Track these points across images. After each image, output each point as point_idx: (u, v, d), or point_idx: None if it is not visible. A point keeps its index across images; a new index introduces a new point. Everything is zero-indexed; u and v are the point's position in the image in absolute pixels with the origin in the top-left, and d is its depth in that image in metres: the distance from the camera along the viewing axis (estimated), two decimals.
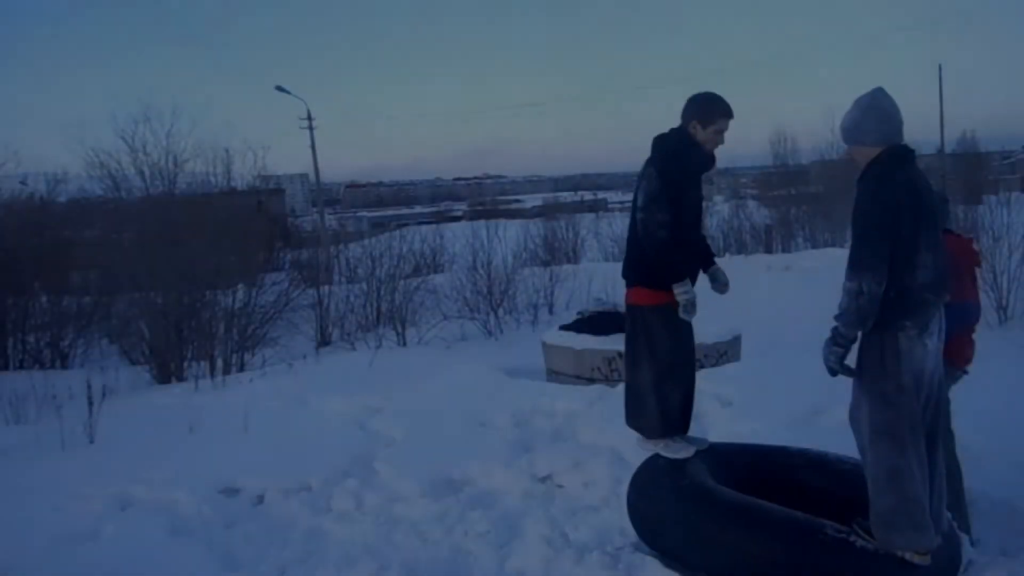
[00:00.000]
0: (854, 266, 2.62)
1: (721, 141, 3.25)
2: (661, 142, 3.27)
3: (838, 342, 2.72)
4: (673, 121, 3.31)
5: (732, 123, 3.28)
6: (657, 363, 3.21)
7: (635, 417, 3.34)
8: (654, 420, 3.26)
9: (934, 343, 2.74)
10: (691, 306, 3.14)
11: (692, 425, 3.47)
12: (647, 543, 3.25)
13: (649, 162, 3.24)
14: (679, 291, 3.12)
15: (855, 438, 2.83)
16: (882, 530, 2.69)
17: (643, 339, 3.24)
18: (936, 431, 2.81)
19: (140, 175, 10.50)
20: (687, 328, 3.27)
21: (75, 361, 10.87)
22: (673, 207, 3.14)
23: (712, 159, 3.30)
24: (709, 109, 3.19)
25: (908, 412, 2.67)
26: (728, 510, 2.97)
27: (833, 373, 2.80)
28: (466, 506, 4.00)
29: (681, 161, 3.20)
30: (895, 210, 2.59)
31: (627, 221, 3.60)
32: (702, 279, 3.41)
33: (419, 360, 8.23)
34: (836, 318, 2.71)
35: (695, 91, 3.30)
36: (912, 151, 2.78)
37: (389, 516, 4.02)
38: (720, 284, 3.43)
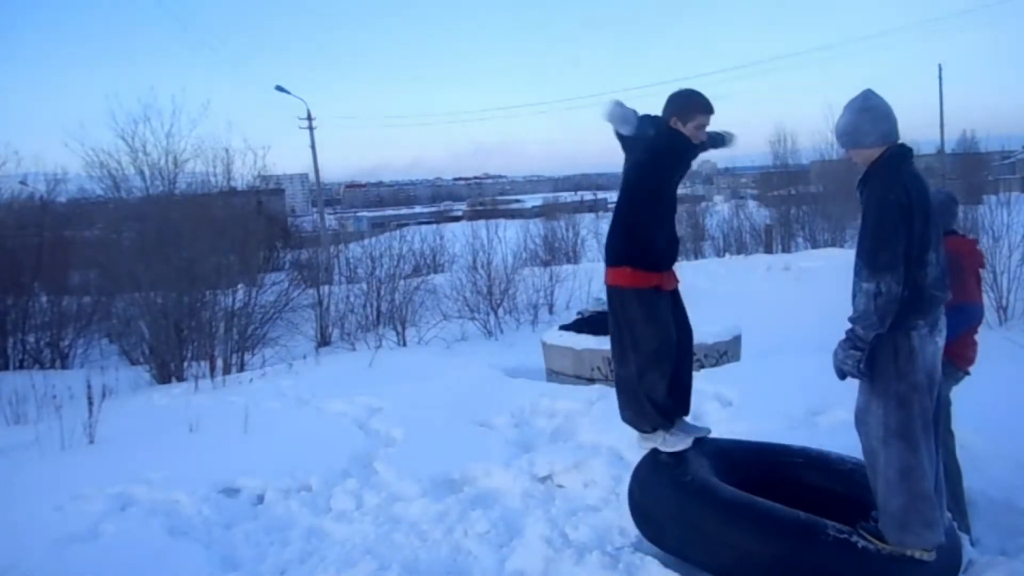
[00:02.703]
0: (872, 266, 2.58)
1: (703, 137, 3.23)
2: (651, 117, 3.23)
3: (856, 345, 2.65)
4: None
5: (733, 124, 3.29)
6: (640, 353, 3.16)
7: (626, 410, 3.31)
8: (645, 412, 3.22)
9: (942, 340, 2.75)
10: None
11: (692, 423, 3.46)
12: (647, 538, 3.25)
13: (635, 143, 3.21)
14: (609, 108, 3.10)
15: (861, 440, 2.81)
16: (895, 531, 2.69)
17: (626, 329, 3.19)
18: (938, 428, 2.81)
19: (140, 175, 10.45)
20: (667, 313, 3.22)
21: (75, 361, 10.88)
22: (658, 181, 3.17)
23: (696, 152, 3.30)
24: (688, 105, 3.17)
25: (921, 411, 2.67)
26: (731, 508, 2.96)
27: (843, 376, 2.75)
28: (466, 506, 3.99)
29: (670, 142, 3.16)
30: (907, 209, 2.59)
31: None
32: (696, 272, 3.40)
33: (419, 360, 8.23)
34: (853, 320, 2.66)
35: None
36: (911, 149, 2.78)
37: (389, 516, 4.02)
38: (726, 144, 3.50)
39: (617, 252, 3.21)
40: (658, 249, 3.20)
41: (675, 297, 3.33)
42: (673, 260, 3.32)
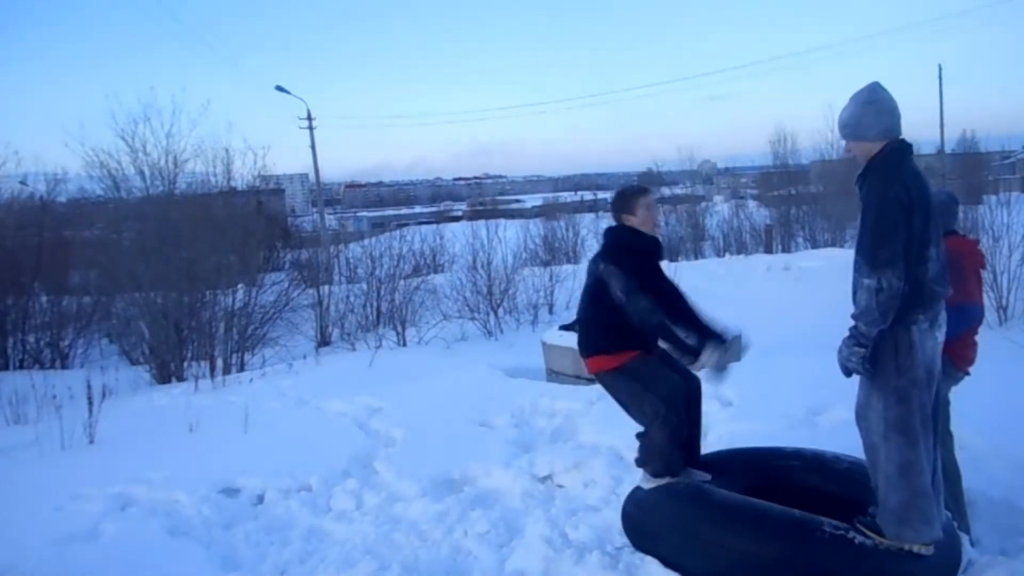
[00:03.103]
0: (873, 263, 2.58)
1: (655, 216, 3.43)
2: (608, 234, 3.45)
3: (860, 342, 2.65)
4: (671, 115, 3.38)
5: (733, 124, 3.33)
6: (658, 405, 3.23)
7: (646, 462, 3.35)
8: (659, 462, 3.28)
9: (942, 336, 2.75)
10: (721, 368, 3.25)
11: None
12: (645, 552, 3.24)
13: (601, 258, 3.34)
14: (704, 359, 3.23)
15: (862, 436, 2.81)
16: (894, 526, 2.69)
17: (637, 391, 3.28)
18: (937, 424, 2.81)
19: (140, 175, 10.45)
20: (662, 367, 3.32)
21: (75, 361, 10.87)
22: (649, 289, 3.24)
23: (658, 242, 3.43)
24: (625, 199, 3.41)
25: (920, 406, 2.67)
26: (724, 511, 2.97)
27: (848, 374, 2.75)
28: (466, 506, 4.00)
29: (630, 249, 3.32)
30: (907, 204, 2.58)
31: None
32: None
33: (419, 360, 8.24)
34: (856, 317, 2.65)
35: (697, 93, 3.34)
36: (911, 145, 2.78)
37: (389, 516, 4.03)
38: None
39: (589, 346, 3.40)
40: (637, 337, 3.29)
41: (663, 356, 3.39)
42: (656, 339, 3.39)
